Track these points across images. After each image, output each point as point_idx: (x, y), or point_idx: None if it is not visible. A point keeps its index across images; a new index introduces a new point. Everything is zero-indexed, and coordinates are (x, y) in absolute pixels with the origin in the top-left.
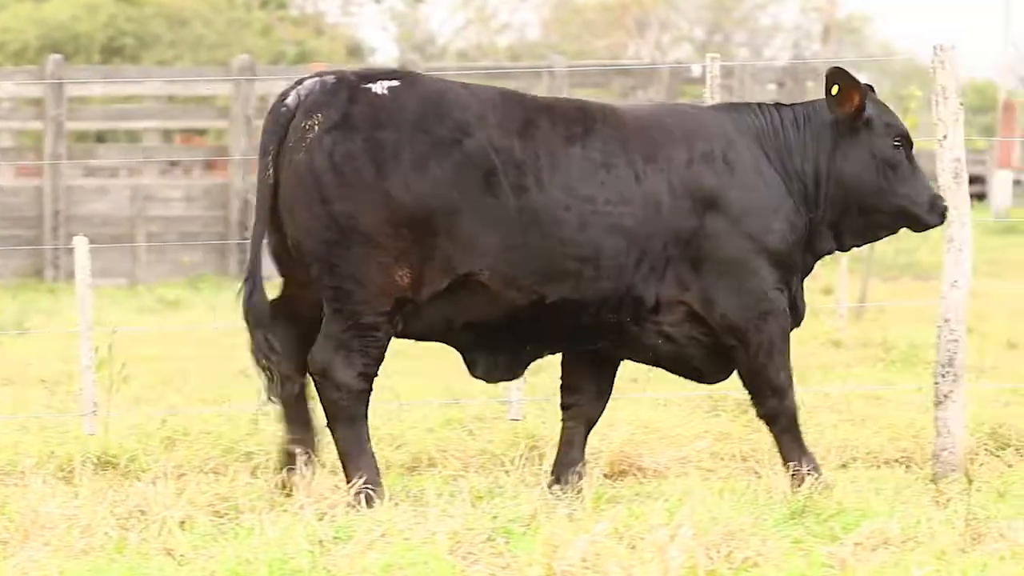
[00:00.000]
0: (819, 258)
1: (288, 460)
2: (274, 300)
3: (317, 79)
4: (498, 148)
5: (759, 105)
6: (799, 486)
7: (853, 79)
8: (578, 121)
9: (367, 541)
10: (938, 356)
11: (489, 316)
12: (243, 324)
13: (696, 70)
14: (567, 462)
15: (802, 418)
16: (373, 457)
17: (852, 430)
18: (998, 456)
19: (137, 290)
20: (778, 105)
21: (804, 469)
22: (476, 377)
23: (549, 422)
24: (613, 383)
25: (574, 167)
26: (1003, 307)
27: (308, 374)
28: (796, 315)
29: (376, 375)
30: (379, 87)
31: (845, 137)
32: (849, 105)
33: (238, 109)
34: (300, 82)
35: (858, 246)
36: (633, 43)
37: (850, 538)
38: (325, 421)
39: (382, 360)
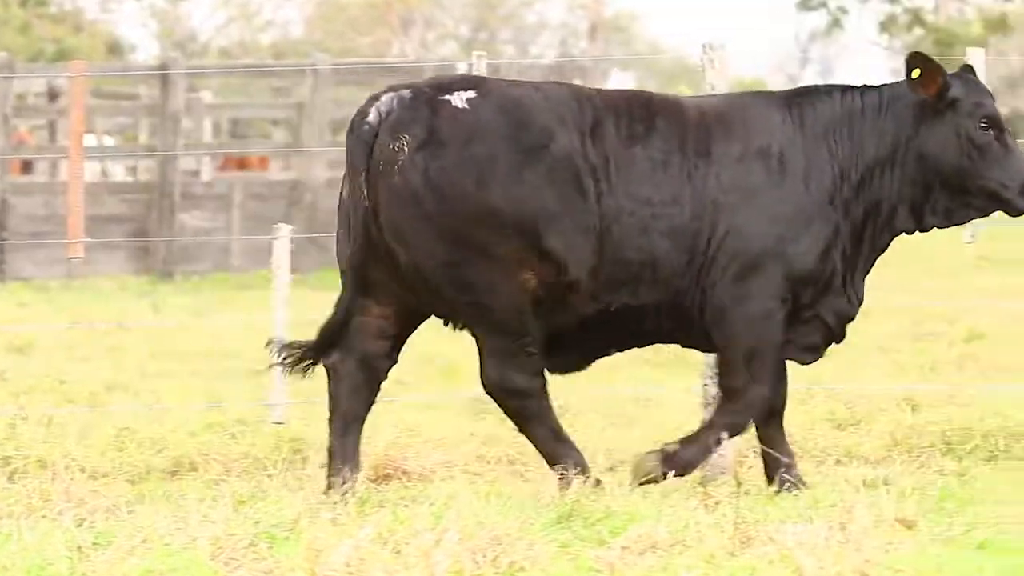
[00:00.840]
0: (896, 236)
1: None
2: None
3: (393, 94)
4: (578, 151)
5: (843, 89)
6: (669, 460)
7: (933, 62)
8: (642, 119)
9: (127, 547)
10: (707, 358)
11: (561, 325)
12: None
13: (462, 68)
14: (776, 464)
15: (568, 422)
16: (572, 443)
17: (620, 433)
18: None
19: None
20: (865, 88)
21: (684, 460)
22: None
23: (313, 425)
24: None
25: (636, 169)
26: None
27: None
28: (841, 309)
29: (544, 369)
30: (458, 99)
31: (928, 117)
32: (932, 87)
33: None
34: (376, 98)
35: (943, 227)
36: (398, 41)
37: (618, 542)
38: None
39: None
